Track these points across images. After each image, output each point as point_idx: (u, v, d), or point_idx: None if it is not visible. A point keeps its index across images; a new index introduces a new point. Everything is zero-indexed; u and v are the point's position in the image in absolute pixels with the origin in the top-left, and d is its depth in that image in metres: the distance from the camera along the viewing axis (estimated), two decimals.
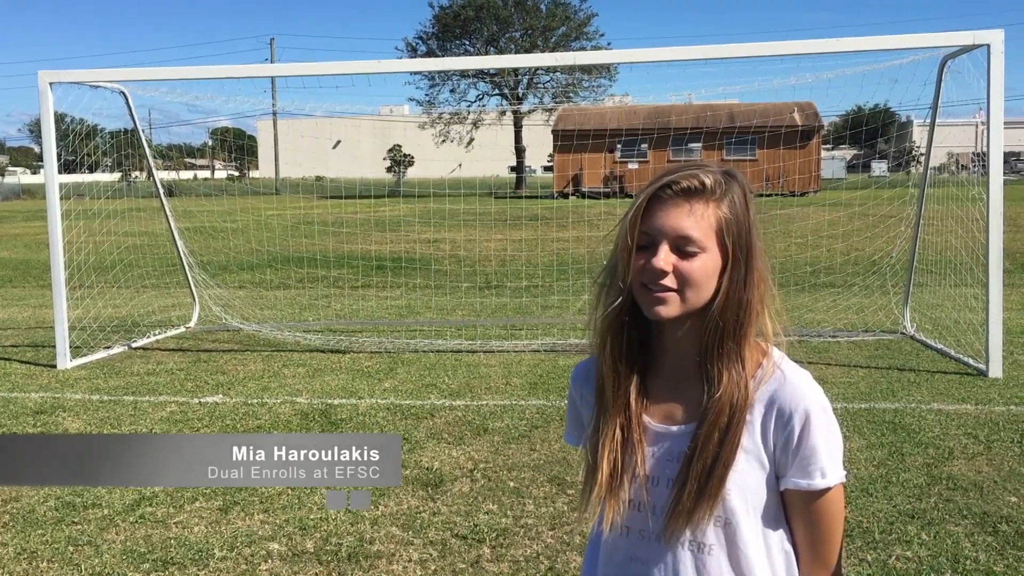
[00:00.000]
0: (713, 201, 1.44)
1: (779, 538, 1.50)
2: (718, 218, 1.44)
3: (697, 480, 1.44)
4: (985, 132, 7.49)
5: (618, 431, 1.51)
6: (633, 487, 1.51)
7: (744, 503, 1.46)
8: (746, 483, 1.46)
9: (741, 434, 1.45)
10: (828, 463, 1.46)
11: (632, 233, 1.46)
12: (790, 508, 1.50)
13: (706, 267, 1.43)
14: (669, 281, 1.43)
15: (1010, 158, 57.25)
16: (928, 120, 9.15)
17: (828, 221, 12.94)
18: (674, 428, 1.50)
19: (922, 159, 9.61)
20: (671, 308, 1.44)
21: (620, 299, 1.50)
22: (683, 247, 1.43)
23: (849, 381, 7.32)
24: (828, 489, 1.47)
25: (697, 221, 1.43)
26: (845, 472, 1.50)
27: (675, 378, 1.53)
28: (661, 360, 1.54)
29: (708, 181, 1.44)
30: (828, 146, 37.84)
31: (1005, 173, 7.73)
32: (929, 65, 8.47)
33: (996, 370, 7.42)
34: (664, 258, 1.42)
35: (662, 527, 1.48)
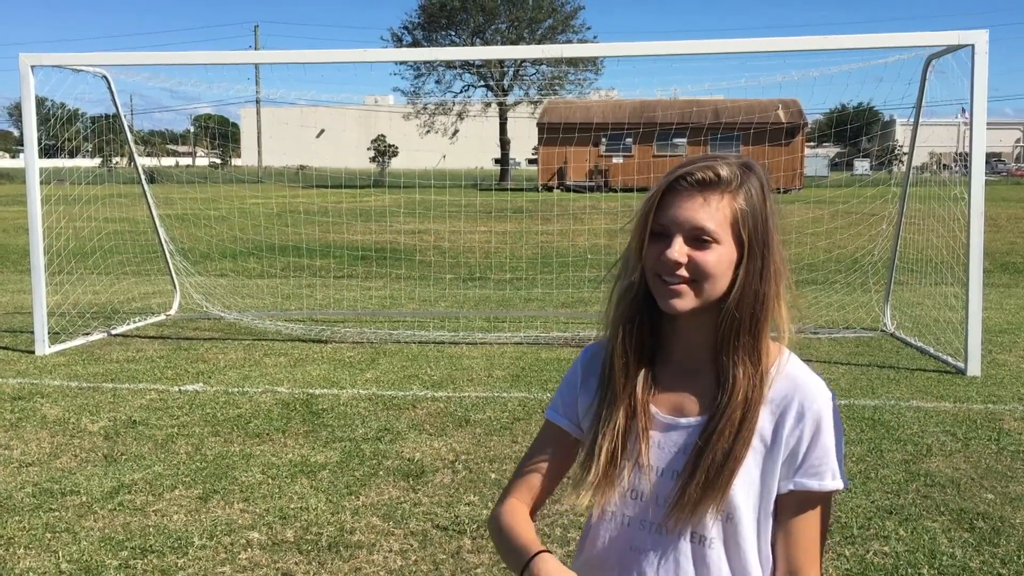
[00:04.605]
0: (728, 193, 1.43)
1: (767, 540, 1.49)
2: (733, 210, 1.42)
3: (706, 473, 1.43)
4: (968, 132, 7.54)
5: (622, 419, 1.50)
6: (635, 476, 1.50)
7: (747, 500, 1.46)
8: (751, 480, 1.46)
9: (754, 430, 1.45)
10: (837, 466, 1.46)
11: (645, 224, 1.46)
12: (785, 511, 1.48)
13: (721, 259, 1.42)
14: (684, 273, 1.42)
15: (991, 159, 57.74)
16: (911, 119, 9.20)
17: (811, 218, 12.99)
18: (683, 420, 1.50)
19: (904, 158, 9.67)
20: (686, 301, 1.43)
21: (634, 289, 1.50)
22: (698, 238, 1.41)
23: (829, 378, 7.36)
24: (831, 492, 1.47)
25: (712, 213, 1.41)
26: (848, 481, 1.49)
27: (686, 370, 1.52)
28: (672, 351, 1.54)
29: (724, 172, 1.43)
30: (812, 144, 37.99)
31: (986, 173, 7.78)
32: (914, 64, 8.53)
33: (975, 368, 7.49)
34: (678, 249, 1.41)
35: (664, 517, 1.48)
